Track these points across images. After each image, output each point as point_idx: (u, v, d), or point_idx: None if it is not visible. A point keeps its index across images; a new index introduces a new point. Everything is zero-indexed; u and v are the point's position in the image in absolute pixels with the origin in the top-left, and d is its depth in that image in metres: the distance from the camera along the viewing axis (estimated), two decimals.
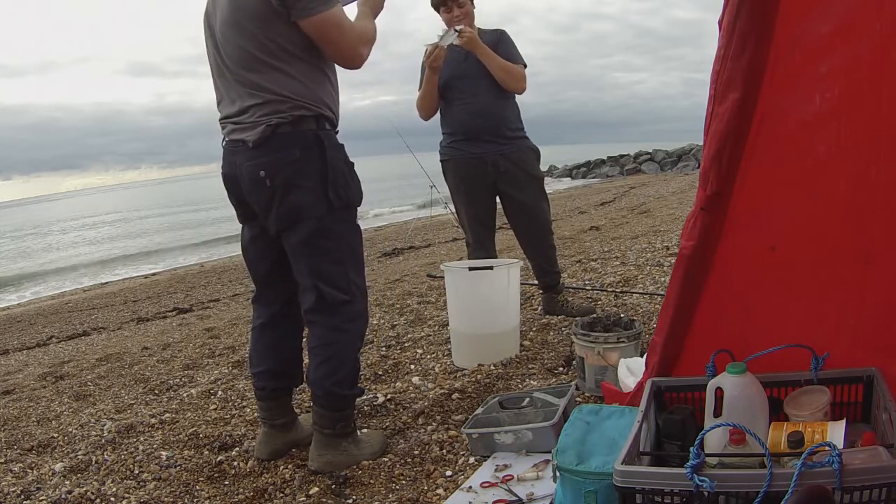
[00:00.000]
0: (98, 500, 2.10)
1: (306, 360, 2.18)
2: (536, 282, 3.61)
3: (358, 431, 2.20)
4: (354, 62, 2.05)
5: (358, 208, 2.14)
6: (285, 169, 1.96)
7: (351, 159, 2.11)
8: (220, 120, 2.10)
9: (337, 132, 2.11)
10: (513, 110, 3.32)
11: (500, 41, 3.24)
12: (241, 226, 2.23)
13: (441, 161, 3.44)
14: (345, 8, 2.07)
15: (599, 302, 3.72)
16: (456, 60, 3.22)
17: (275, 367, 2.22)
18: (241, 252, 2.28)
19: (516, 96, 3.35)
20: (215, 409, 2.87)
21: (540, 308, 3.69)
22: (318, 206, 2.00)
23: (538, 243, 3.43)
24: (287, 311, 2.22)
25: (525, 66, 3.27)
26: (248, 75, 1.96)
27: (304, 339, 2.27)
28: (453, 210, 3.61)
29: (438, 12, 3.25)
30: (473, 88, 3.22)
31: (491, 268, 2.94)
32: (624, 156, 27.31)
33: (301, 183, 1.98)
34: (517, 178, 3.30)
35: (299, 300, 2.14)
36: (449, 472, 2.00)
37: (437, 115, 3.39)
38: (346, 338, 2.10)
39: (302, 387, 2.50)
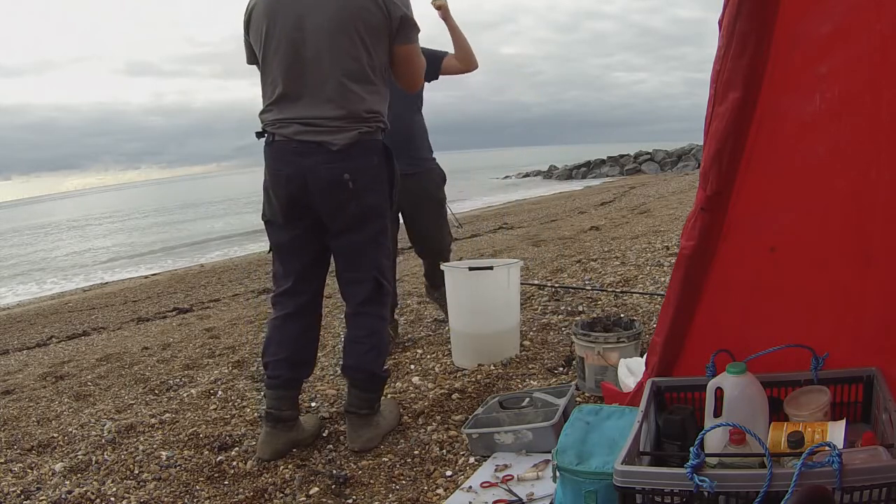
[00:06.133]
0: (98, 500, 2.11)
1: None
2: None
3: None
4: (416, 87, 2.39)
5: None
6: (367, 173, 2.14)
7: None
8: (282, 119, 2.12)
9: None
10: (422, 133, 3.22)
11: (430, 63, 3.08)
12: (266, 224, 2.28)
13: None
14: None
15: (599, 302, 3.72)
16: None
17: (295, 355, 2.28)
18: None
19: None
20: (215, 409, 2.87)
21: (540, 308, 3.69)
22: (385, 208, 2.24)
23: (436, 264, 3.27)
24: (315, 303, 2.34)
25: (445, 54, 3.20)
26: (354, 86, 2.07)
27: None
28: (452, 211, 3.60)
29: None
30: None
31: (491, 268, 2.94)
32: (624, 156, 27.33)
33: (376, 187, 2.18)
34: (418, 198, 3.18)
35: (345, 294, 2.30)
36: (449, 472, 2.00)
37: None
38: (385, 325, 2.33)
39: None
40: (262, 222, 2.29)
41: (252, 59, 2.23)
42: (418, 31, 2.18)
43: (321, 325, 2.40)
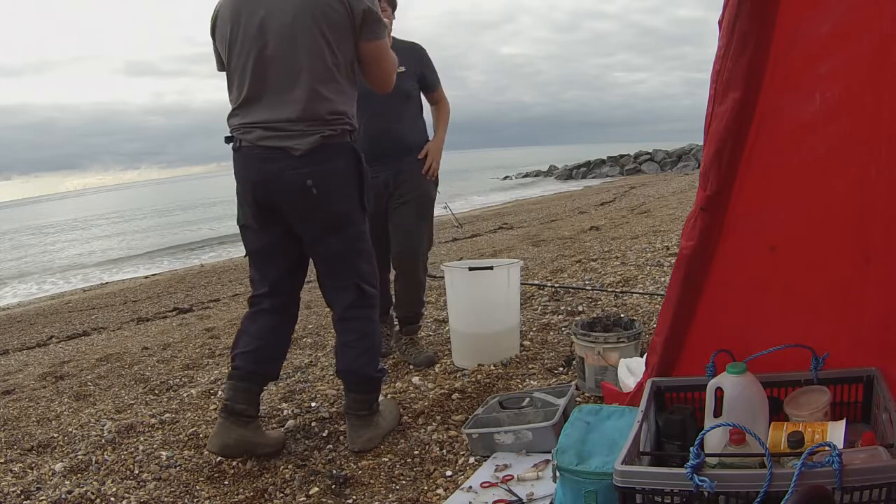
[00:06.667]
0: (98, 500, 2.11)
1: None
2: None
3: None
4: (388, 86, 2.24)
5: None
6: (332, 179, 2.08)
7: None
8: (245, 123, 2.08)
9: None
10: (416, 130, 3.03)
11: (425, 67, 2.99)
12: (241, 229, 2.24)
13: None
14: None
15: (599, 302, 3.72)
16: None
17: (265, 347, 2.24)
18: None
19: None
20: (215, 409, 2.86)
21: (540, 308, 3.68)
22: (358, 213, 2.17)
23: (408, 272, 3.03)
24: (291, 304, 2.32)
25: (440, 86, 3.07)
26: (319, 87, 2.02)
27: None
28: (453, 210, 3.57)
29: None
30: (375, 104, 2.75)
31: (491, 268, 2.94)
32: (624, 156, 27.35)
33: (345, 192, 2.12)
34: (407, 194, 2.97)
35: (329, 300, 2.27)
36: (449, 472, 2.00)
37: None
38: (376, 326, 2.30)
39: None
40: (238, 227, 2.26)
41: (222, 66, 2.18)
42: (385, 26, 2.12)
43: (294, 327, 2.37)
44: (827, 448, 1.22)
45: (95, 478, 2.28)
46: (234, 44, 2.06)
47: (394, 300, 3.15)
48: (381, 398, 2.39)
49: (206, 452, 2.34)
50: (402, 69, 2.86)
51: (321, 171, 2.05)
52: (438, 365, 2.97)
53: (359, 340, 2.23)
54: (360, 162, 2.14)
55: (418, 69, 2.96)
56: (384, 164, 2.92)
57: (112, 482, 2.23)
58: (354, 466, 2.12)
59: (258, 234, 2.21)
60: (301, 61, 2.00)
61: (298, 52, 1.99)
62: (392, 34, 2.90)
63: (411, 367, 3.01)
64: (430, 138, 3.09)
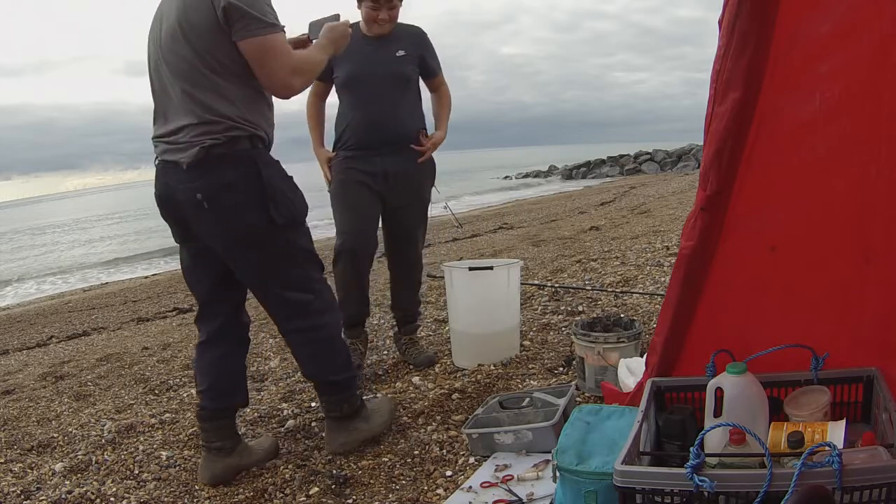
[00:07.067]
0: (98, 500, 2.11)
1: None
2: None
3: (367, 403, 2.27)
4: (283, 91, 2.00)
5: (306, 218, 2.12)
6: (222, 191, 1.94)
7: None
8: (154, 137, 2.06)
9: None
10: (415, 119, 2.93)
11: (425, 51, 2.92)
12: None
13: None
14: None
15: (599, 302, 3.72)
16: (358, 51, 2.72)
17: (218, 382, 2.16)
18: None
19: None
20: None
21: (540, 308, 3.68)
22: (262, 225, 1.98)
23: (409, 275, 3.11)
24: (229, 326, 2.20)
25: (440, 72, 3.01)
26: (190, 90, 1.91)
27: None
28: (453, 210, 3.56)
29: (360, 3, 2.78)
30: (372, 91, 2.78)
31: (491, 268, 2.94)
32: (624, 156, 27.36)
33: (242, 204, 1.96)
34: (407, 195, 2.94)
35: (272, 316, 2.18)
36: (449, 472, 2.00)
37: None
38: (324, 331, 2.15)
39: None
40: None
41: None
42: (261, 21, 1.87)
43: (244, 351, 2.27)
44: (827, 448, 1.22)
45: (95, 478, 2.28)
46: (149, 61, 2.05)
47: (391, 300, 3.15)
48: (377, 396, 2.38)
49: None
50: (402, 53, 2.83)
51: (208, 184, 1.92)
52: (438, 365, 2.97)
53: (304, 348, 2.16)
54: (258, 170, 1.96)
55: (418, 53, 2.88)
56: (381, 154, 2.84)
57: (112, 482, 2.23)
58: (354, 466, 2.12)
59: (181, 250, 2.15)
60: (175, 70, 1.94)
61: (171, 60, 1.94)
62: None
63: (411, 367, 3.01)
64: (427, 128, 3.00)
